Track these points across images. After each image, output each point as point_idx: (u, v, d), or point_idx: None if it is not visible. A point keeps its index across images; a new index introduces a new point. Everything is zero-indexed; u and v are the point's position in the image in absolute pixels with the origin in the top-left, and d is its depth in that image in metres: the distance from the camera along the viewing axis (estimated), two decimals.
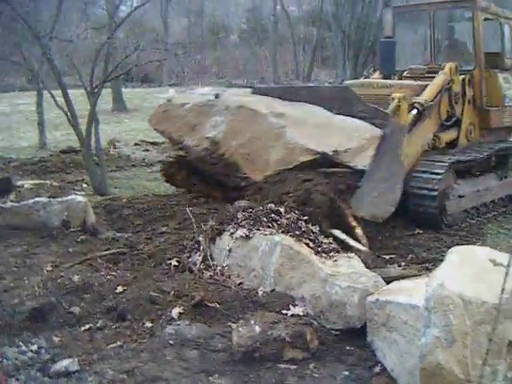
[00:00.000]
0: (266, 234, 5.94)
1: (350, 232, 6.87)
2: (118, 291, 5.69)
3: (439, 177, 8.58)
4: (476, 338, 3.49)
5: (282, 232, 6.00)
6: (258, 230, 6.04)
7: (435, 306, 3.62)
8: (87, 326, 5.20)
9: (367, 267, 5.89)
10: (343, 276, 5.37)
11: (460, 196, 9.09)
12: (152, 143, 16.99)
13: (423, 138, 9.13)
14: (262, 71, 44.73)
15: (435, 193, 8.51)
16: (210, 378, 4.44)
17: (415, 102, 8.88)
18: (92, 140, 11.07)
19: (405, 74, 10.61)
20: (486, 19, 10.49)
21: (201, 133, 7.89)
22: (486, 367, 3.45)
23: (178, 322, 5.13)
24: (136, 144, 16.65)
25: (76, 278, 5.98)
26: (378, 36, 30.91)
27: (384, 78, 10.11)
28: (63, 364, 4.54)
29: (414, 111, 8.84)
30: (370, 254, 6.68)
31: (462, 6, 10.87)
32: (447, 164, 8.82)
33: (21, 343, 4.89)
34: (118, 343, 4.90)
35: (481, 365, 3.36)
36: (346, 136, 7.46)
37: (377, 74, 10.78)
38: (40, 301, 5.41)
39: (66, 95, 10.71)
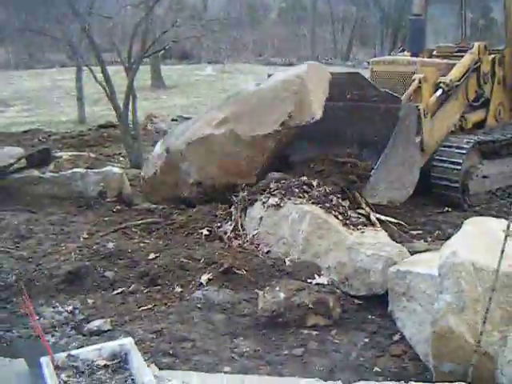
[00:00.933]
0: (296, 204, 6.13)
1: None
2: (150, 258, 5.95)
3: (463, 156, 8.46)
4: (487, 305, 3.62)
5: (313, 203, 6.16)
6: (290, 199, 6.23)
7: (448, 272, 3.75)
8: (120, 290, 5.45)
9: (394, 241, 6.05)
10: (368, 245, 5.55)
11: (484, 176, 8.90)
12: (189, 118, 17.13)
13: (449, 119, 8.98)
14: (301, 50, 44.57)
15: (458, 172, 8.41)
16: (235, 340, 4.65)
17: (441, 82, 8.70)
18: (130, 115, 11.28)
19: (434, 52, 10.35)
20: None
21: (186, 183, 7.78)
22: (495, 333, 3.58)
23: (207, 288, 5.35)
24: (173, 120, 16.79)
25: (110, 244, 6.24)
26: None
27: (412, 56, 9.64)
28: (96, 324, 4.79)
29: (439, 92, 8.67)
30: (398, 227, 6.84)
31: None
32: (471, 143, 8.67)
33: (57, 304, 5.16)
34: (149, 306, 5.14)
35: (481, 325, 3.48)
36: (280, 102, 7.22)
37: (405, 53, 10.44)
38: (76, 265, 5.67)
39: (104, 71, 10.91)
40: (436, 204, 8.60)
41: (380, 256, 5.35)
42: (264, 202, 6.36)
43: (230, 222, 6.54)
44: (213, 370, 4.15)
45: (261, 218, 6.33)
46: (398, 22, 29.50)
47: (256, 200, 6.51)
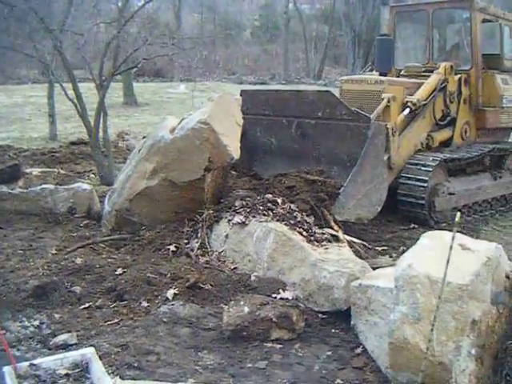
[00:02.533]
0: (261, 221, 6.23)
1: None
2: (117, 273, 6.00)
3: (429, 174, 8.71)
4: (441, 315, 3.74)
5: (277, 220, 6.28)
6: (254, 217, 6.34)
7: (403, 284, 3.88)
8: (87, 305, 5.48)
9: (359, 257, 6.18)
10: (332, 261, 5.67)
11: (450, 193, 9.17)
12: None
13: (416, 138, 9.29)
14: (273, 68, 44.87)
15: (424, 189, 8.67)
16: (199, 353, 4.72)
17: (408, 102, 9.01)
18: (101, 132, 11.33)
19: (402, 72, 10.69)
20: (484, 20, 10.59)
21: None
22: (450, 343, 3.70)
23: (173, 302, 5.42)
24: (144, 137, 16.80)
25: (79, 260, 6.30)
26: None
27: (380, 75, 10.03)
28: (62, 338, 4.83)
29: (407, 111, 8.97)
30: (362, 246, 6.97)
31: (460, 7, 11.00)
32: (437, 161, 8.94)
33: (24, 318, 5.18)
34: (115, 320, 5.19)
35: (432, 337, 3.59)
36: (196, 148, 7.21)
37: (374, 72, 10.86)
38: (43, 280, 5.69)
39: (76, 87, 10.97)
40: (401, 220, 8.79)
41: (343, 272, 5.46)
42: (229, 220, 6.48)
43: (196, 239, 6.63)
44: (176, 382, 4.21)
45: (226, 236, 6.44)
46: (370, 42, 29.80)
47: (221, 218, 6.61)
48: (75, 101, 10.91)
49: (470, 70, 10.39)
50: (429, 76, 9.76)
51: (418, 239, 7.68)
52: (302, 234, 6.16)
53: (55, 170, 10.44)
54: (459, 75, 10.06)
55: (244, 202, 6.65)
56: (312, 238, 6.22)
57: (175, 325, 5.10)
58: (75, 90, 10.95)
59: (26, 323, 5.10)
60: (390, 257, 6.99)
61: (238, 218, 6.38)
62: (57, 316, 5.27)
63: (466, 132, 10.28)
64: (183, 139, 7.23)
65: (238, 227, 6.35)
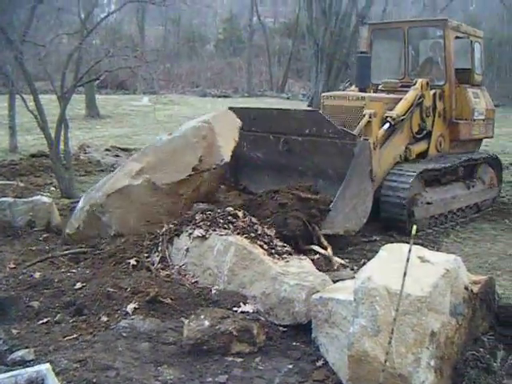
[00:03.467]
0: (221, 235, 6.20)
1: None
2: (76, 287, 5.92)
3: (408, 184, 9.12)
4: (400, 328, 3.76)
5: (238, 234, 6.25)
6: (215, 230, 6.31)
7: (362, 297, 3.89)
8: (45, 320, 5.39)
9: (321, 270, 6.20)
10: (292, 275, 5.65)
11: (428, 203, 9.59)
12: (123, 149, 17.14)
13: (395, 151, 9.71)
14: (237, 81, 44.99)
15: (404, 199, 9.06)
16: (159, 368, 4.67)
17: (388, 117, 9.43)
18: (62, 145, 11.23)
19: (380, 87, 11.07)
20: (457, 37, 11.04)
21: (108, 235, 7.72)
22: (409, 354, 3.72)
23: (133, 317, 5.36)
24: (106, 150, 16.76)
25: (37, 274, 6.22)
26: (351, 49, 31.42)
27: (360, 90, 10.52)
28: (19, 354, 4.73)
29: (387, 125, 9.38)
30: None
31: (434, 25, 11.56)
32: (416, 173, 9.34)
33: None
34: (74, 335, 5.11)
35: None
36: (191, 148, 7.71)
37: (353, 87, 11.28)
38: (1, 295, 5.62)
39: (36, 99, 10.87)
40: (363, 233, 8.81)
41: (303, 286, 5.46)
42: (190, 234, 6.43)
43: (157, 253, 6.57)
44: None
45: (187, 249, 6.39)
46: (332, 55, 29.96)
47: (182, 231, 6.57)
48: (36, 113, 10.81)
49: (443, 85, 10.85)
50: (405, 91, 10.17)
51: (378, 252, 7.88)
52: (262, 247, 6.15)
53: (14, 182, 10.31)
54: (434, 90, 10.51)
55: (204, 216, 6.62)
56: (273, 250, 6.22)
57: (135, 339, 5.03)
58: (36, 102, 10.86)
59: None
60: (352, 269, 7.00)
61: (198, 232, 6.34)
62: (14, 331, 5.17)
63: (440, 144, 10.74)
64: (180, 137, 7.76)
65: (199, 241, 6.31)
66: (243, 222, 6.54)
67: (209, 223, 6.44)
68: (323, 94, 10.68)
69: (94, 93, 26.30)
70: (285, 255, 6.21)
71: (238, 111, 9.36)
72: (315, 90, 31.09)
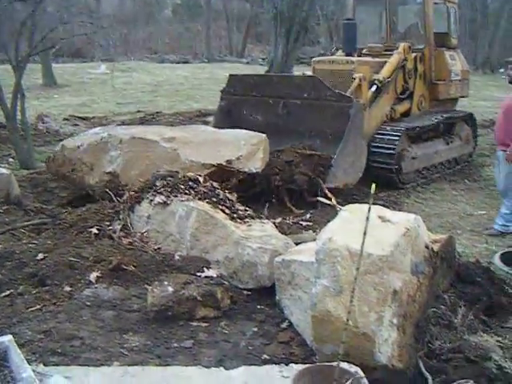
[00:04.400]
0: (182, 201, 6.17)
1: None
2: (38, 258, 5.84)
3: (396, 142, 9.96)
4: (363, 287, 3.80)
5: (199, 199, 6.23)
6: (176, 196, 6.28)
7: (324, 258, 3.92)
8: (8, 292, 5.33)
9: (283, 233, 6.24)
10: (255, 238, 5.67)
11: (413, 158, 10.47)
12: (81, 118, 16.93)
13: (382, 111, 10.60)
14: (196, 47, 44.61)
15: (393, 155, 9.88)
16: (125, 335, 4.66)
17: (375, 79, 10.24)
18: (19, 115, 11.06)
19: (364, 51, 11.72)
20: (435, 3, 11.85)
21: (100, 170, 8.11)
22: (372, 313, 3.76)
23: (96, 285, 5.33)
24: (65, 119, 16.51)
25: None
26: (310, 13, 31.27)
27: (346, 55, 10.98)
28: None
29: (374, 88, 10.21)
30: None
31: None
32: (402, 130, 10.21)
33: None
34: (37, 307, 5.05)
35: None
36: (235, 146, 8.12)
37: (339, 52, 11.90)
38: None
39: None
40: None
41: (266, 249, 5.49)
42: (151, 200, 6.38)
43: (118, 221, 6.53)
44: (101, 366, 4.16)
45: (148, 216, 6.37)
46: (291, 19, 29.78)
47: (143, 198, 6.52)
48: None
49: (424, 48, 11.63)
50: (389, 55, 10.96)
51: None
52: (224, 212, 6.15)
53: None
54: (415, 54, 11.32)
55: (165, 182, 6.58)
56: (235, 215, 6.22)
57: (99, 308, 5.02)
58: None
59: None
60: (314, 231, 7.05)
61: (159, 198, 6.30)
62: None
63: (421, 103, 11.66)
64: (229, 134, 8.57)
65: (160, 207, 6.28)
66: (204, 187, 6.52)
67: (170, 189, 6.40)
68: (314, 59, 11.39)
69: (50, 61, 25.83)
70: (247, 219, 6.22)
71: (239, 77, 10.75)
72: (274, 54, 30.93)
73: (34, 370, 3.39)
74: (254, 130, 8.70)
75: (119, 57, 31.32)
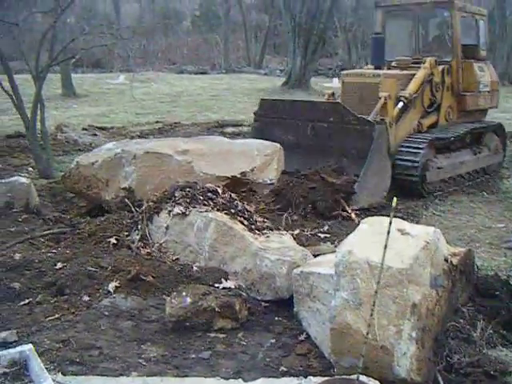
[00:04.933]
0: (201, 211, 6.19)
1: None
2: (57, 267, 5.88)
3: (421, 151, 10.11)
4: (382, 300, 3.78)
5: (218, 210, 6.25)
6: (195, 207, 6.30)
7: (344, 270, 3.91)
8: (27, 301, 5.36)
9: (301, 245, 6.23)
10: (273, 250, 5.66)
11: (438, 168, 10.62)
12: (100, 128, 17.04)
13: (409, 126, 10.78)
14: (214, 58, 44.77)
15: (418, 164, 10.02)
16: (142, 345, 4.67)
17: (401, 96, 10.45)
18: (38, 125, 11.14)
19: (392, 64, 11.86)
20: (462, 16, 11.95)
21: (115, 185, 8.16)
22: (391, 327, 3.75)
23: (114, 295, 5.35)
24: (84, 129, 16.64)
25: (17, 255, 6.16)
26: (328, 24, 31.35)
27: (375, 68, 11.31)
28: (2, 335, 4.69)
29: (400, 104, 10.42)
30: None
31: (441, 7, 12.38)
32: (429, 140, 10.41)
33: None
34: (56, 316, 5.08)
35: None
36: (249, 157, 8.30)
37: (369, 65, 12.28)
38: None
39: (11, 78, 10.74)
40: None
41: (284, 260, 5.47)
42: (170, 211, 6.41)
43: (137, 231, 6.56)
44: (120, 376, 4.16)
45: (167, 227, 6.39)
46: (310, 30, 29.87)
47: (161, 209, 6.55)
48: (11, 92, 10.68)
49: (451, 61, 11.78)
50: (416, 67, 11.18)
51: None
52: (242, 223, 6.15)
53: None
54: (442, 66, 11.46)
55: (184, 192, 6.60)
56: (253, 226, 6.22)
57: (117, 318, 5.03)
58: (11, 82, 10.73)
59: None
60: (332, 243, 7.04)
61: (178, 209, 6.32)
62: None
63: (449, 115, 11.79)
64: (243, 144, 8.98)
65: (179, 218, 6.30)
66: (223, 198, 6.54)
67: (188, 200, 6.42)
68: (343, 72, 11.86)
69: (70, 72, 26.03)
70: (265, 230, 6.22)
71: (270, 102, 11.32)
72: (292, 65, 31.06)
73: (53, 380, 3.40)
74: (287, 150, 9.14)
75: (138, 67, 31.52)
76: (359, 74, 11.23)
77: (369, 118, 9.55)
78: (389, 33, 12.58)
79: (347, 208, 8.50)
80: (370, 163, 9.00)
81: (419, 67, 11.07)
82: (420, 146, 10.24)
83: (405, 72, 11.15)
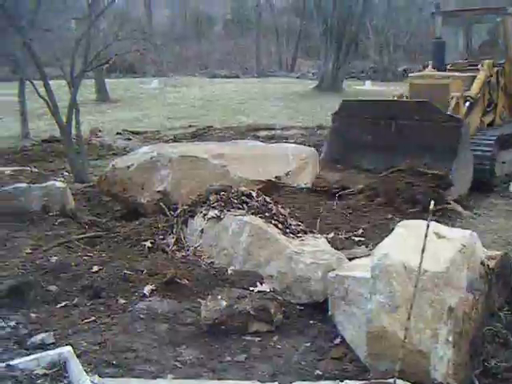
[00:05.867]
0: (236, 215, 6.20)
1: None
2: (93, 271, 5.92)
3: (491, 147, 10.72)
4: (418, 303, 3.76)
5: (252, 213, 6.24)
6: (229, 211, 6.32)
7: (380, 274, 3.90)
8: (63, 304, 5.42)
9: (335, 248, 6.22)
10: (308, 253, 5.65)
11: (503, 162, 11.25)
12: (134, 132, 17.18)
13: (474, 123, 11.36)
14: (246, 62, 44.86)
15: (488, 160, 10.61)
16: (178, 348, 4.69)
17: (468, 96, 11.05)
18: (73, 129, 11.27)
19: (449, 67, 12.53)
20: None
21: (151, 189, 8.25)
22: (428, 330, 3.73)
23: (150, 299, 5.37)
24: (118, 133, 16.81)
25: (54, 259, 6.23)
26: (360, 27, 31.26)
27: (437, 70, 11.85)
28: (39, 337, 4.75)
29: (467, 104, 11.05)
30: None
31: (494, 13, 13.23)
32: (496, 136, 11.05)
33: None
34: (92, 318, 5.13)
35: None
36: (284, 161, 8.35)
37: (429, 68, 12.42)
38: (19, 280, 5.62)
39: (46, 84, 10.88)
40: (378, 211, 8.80)
41: (319, 264, 5.47)
42: (204, 215, 6.43)
43: (172, 235, 6.60)
44: (156, 379, 4.19)
45: (202, 231, 6.42)
46: (341, 33, 29.81)
47: (196, 212, 6.59)
48: (46, 98, 10.82)
49: (504, 63, 12.39)
50: (473, 69, 11.87)
51: (393, 229, 7.88)
52: (277, 227, 6.14)
53: (28, 168, 10.32)
54: (496, 68, 12.10)
55: (218, 196, 6.62)
56: (288, 230, 6.21)
57: (153, 321, 5.06)
58: (46, 87, 10.87)
59: (3, 324, 5.02)
60: (367, 247, 7.01)
61: (212, 213, 6.35)
62: (33, 316, 5.19)
63: (503, 114, 12.55)
64: (279, 148, 9.26)
65: (213, 221, 6.33)
66: (257, 201, 6.53)
67: (223, 204, 6.44)
68: (411, 75, 12.72)
69: (104, 77, 26.28)
70: (300, 234, 6.22)
71: (352, 103, 11.77)
72: (325, 68, 31.01)
73: (91, 381, 3.44)
74: (367, 149, 9.55)
75: (171, 72, 31.73)
76: (428, 76, 11.77)
77: None
78: (444, 37, 13.08)
79: (450, 201, 9.00)
80: (460, 157, 9.38)
81: (474, 69, 11.74)
82: (490, 142, 10.81)
83: (467, 74, 11.72)
